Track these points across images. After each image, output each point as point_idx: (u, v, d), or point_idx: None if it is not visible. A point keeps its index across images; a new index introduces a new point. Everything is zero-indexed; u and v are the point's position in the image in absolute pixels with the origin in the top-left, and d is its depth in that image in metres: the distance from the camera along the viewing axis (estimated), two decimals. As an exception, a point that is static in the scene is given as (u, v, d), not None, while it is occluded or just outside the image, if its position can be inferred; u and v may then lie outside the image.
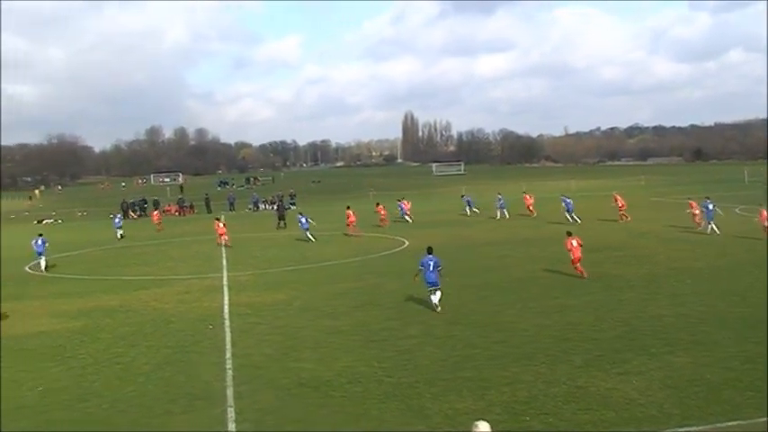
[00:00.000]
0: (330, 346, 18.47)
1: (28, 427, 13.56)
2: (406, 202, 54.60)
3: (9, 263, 38.59)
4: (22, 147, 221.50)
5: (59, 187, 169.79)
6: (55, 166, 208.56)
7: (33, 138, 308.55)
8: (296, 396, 14.56)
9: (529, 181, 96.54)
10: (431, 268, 21.96)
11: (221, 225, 42.24)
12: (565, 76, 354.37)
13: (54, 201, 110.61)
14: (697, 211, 38.85)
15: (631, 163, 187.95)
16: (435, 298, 21.91)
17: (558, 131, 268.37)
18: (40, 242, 37.19)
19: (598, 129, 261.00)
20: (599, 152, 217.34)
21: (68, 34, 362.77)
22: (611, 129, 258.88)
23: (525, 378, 14.87)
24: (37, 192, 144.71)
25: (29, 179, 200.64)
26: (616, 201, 46.67)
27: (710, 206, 37.42)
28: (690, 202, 39.98)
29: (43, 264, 36.31)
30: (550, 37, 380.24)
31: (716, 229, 36.20)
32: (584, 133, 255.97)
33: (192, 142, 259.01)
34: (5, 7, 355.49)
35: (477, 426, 8.20)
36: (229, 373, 16.34)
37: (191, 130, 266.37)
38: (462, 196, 58.18)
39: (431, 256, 22.32)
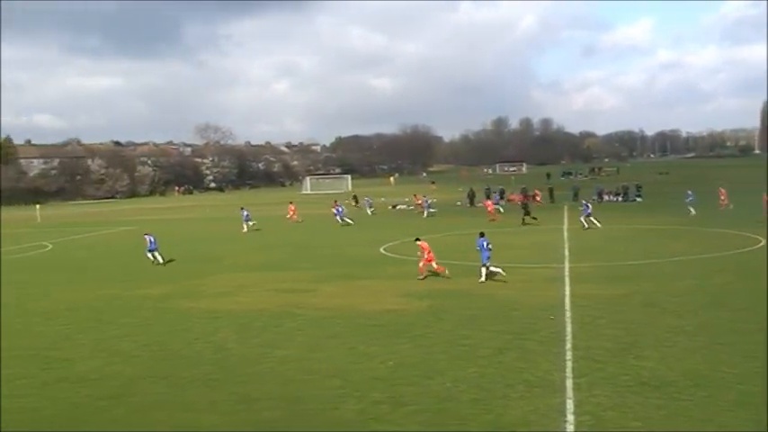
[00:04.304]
0: (674, 345, 17.62)
1: (380, 398, 14.55)
2: None
3: (368, 245, 41.62)
4: (379, 136, 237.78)
5: (424, 174, 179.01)
6: (408, 155, 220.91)
7: (389, 128, 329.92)
8: (636, 394, 14.10)
9: None
10: (485, 247, 27.34)
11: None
12: None
13: (408, 187, 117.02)
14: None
15: None
16: (493, 268, 27.42)
17: None
18: (245, 214, 55.18)
19: None
20: None
21: (424, 30, 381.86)
22: None
23: None
24: (392, 179, 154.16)
25: (384, 167, 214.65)
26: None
27: None
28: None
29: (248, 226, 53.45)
30: None
31: None
32: None
33: (537, 132, 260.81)
34: (367, 7, 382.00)
35: None
36: (569, 364, 16.24)
37: (536, 120, 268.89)
38: (688, 197, 52.40)
39: (483, 238, 27.83)
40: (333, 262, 35.04)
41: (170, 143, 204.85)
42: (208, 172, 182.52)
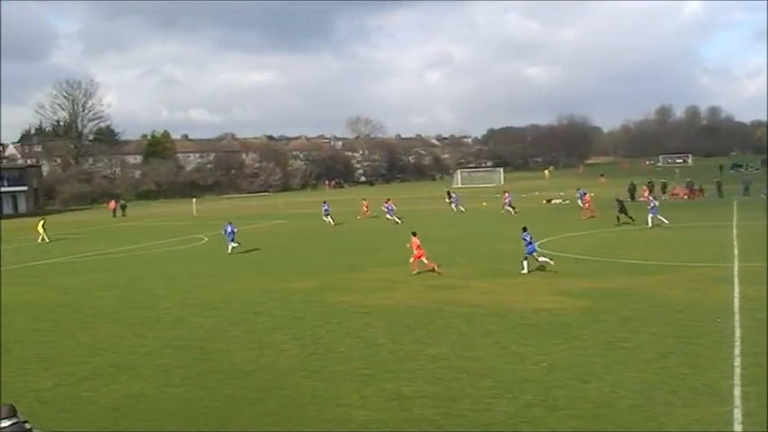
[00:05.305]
0: None
1: (532, 401, 14.42)
2: None
3: (519, 240, 41.21)
4: (534, 127, 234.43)
5: (581, 167, 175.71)
6: (564, 147, 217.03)
7: (544, 119, 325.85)
8: (812, 406, 13.37)
9: None
10: (530, 240, 30.01)
11: None
12: None
13: (564, 180, 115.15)
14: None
15: None
16: (542, 258, 30.24)
17: None
18: (324, 208, 60.00)
19: None
20: None
21: (581, 15, 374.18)
22: None
23: None
24: (547, 172, 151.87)
25: (539, 159, 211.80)
26: None
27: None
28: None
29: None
30: None
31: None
32: None
33: (704, 121, 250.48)
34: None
35: None
36: (737, 371, 15.55)
37: (703, 109, 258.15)
38: None
39: (527, 232, 30.42)
40: (483, 257, 34.96)
41: (321, 137, 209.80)
42: (358, 166, 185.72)
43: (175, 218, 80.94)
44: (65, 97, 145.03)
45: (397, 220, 57.74)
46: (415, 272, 30.74)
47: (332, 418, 14.11)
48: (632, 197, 69.96)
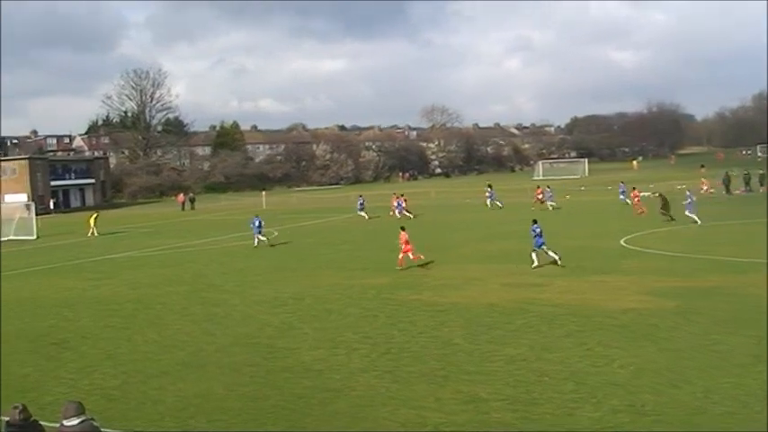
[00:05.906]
0: None
1: (619, 406, 14.20)
2: None
3: (606, 236, 40.63)
4: (621, 116, 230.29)
5: (672, 158, 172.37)
6: (654, 136, 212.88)
7: (632, 106, 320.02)
8: None
9: None
10: (538, 232, 31.03)
11: None
12: None
13: (653, 172, 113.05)
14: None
15: None
16: (551, 253, 30.85)
17: None
18: (360, 202, 63.06)
19: None
20: None
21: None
22: None
23: None
24: (635, 163, 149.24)
25: (626, 149, 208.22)
26: None
27: None
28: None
29: None
30: None
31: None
32: None
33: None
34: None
35: None
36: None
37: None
38: None
39: (536, 225, 31.49)
40: (566, 254, 34.45)
41: (395, 127, 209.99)
42: (433, 157, 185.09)
43: (245, 211, 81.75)
44: (132, 88, 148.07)
45: (398, 214, 59.46)
46: (401, 267, 32.06)
47: (405, 421, 14.12)
48: (727, 190, 68.38)
